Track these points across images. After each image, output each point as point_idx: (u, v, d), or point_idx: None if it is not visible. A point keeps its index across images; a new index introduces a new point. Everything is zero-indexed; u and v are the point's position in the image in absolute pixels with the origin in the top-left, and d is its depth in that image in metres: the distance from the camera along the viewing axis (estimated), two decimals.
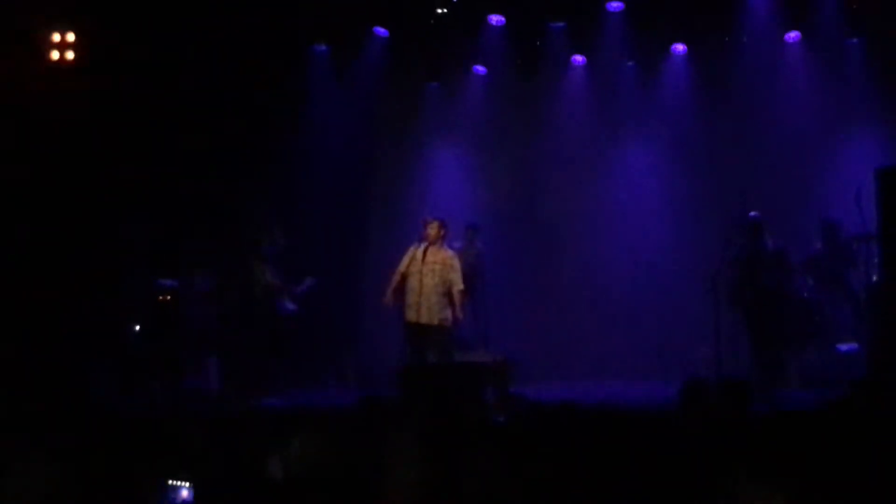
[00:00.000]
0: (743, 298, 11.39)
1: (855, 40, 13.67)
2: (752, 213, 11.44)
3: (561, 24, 14.56)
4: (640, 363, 13.55)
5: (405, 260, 11.45)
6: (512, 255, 14.96)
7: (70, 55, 12.15)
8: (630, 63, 15.11)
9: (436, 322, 11.33)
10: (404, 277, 11.39)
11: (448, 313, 11.37)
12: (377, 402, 7.31)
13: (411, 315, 11.33)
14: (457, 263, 11.50)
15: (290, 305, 12.35)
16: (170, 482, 4.01)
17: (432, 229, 11.40)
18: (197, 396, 11.49)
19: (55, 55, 12.14)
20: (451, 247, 11.99)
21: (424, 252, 11.36)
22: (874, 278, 11.44)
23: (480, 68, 15.40)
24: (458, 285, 11.35)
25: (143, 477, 3.43)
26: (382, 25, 14.50)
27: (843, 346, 11.88)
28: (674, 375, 11.26)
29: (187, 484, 4.12)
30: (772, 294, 11.21)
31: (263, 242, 12.25)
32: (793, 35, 14.10)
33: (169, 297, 12.09)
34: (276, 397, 11.42)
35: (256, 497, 4.82)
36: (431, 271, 11.32)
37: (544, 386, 12.00)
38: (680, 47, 14.73)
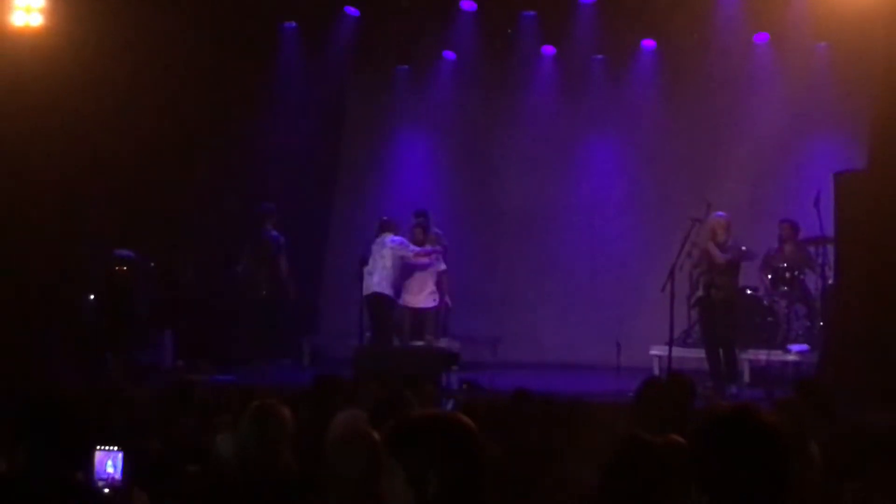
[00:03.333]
0: (700, 295, 11.46)
1: (822, 44, 13.74)
2: (719, 213, 11.47)
3: (532, 13, 14.52)
4: (598, 355, 13.60)
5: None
6: (474, 242, 14.99)
7: (37, 20, 11.87)
8: (599, 56, 15.13)
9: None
10: None
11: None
12: (332, 381, 7.30)
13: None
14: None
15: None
16: (100, 448, 3.98)
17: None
18: (150, 369, 11.43)
19: (20, 19, 11.83)
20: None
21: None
22: (829, 281, 11.56)
23: (450, 53, 15.38)
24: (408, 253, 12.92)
25: (78, 447, 3.40)
26: (354, 5, 14.40)
27: (795, 347, 11.99)
28: (631, 369, 11.40)
29: (117, 450, 4.09)
30: (727, 292, 11.27)
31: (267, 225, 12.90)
32: (761, 37, 14.17)
33: (125, 268, 11.99)
34: (229, 373, 11.40)
35: (196, 474, 4.80)
36: (391, 256, 12.58)
37: (500, 373, 12.02)
38: (649, 43, 14.77)
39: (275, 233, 12.89)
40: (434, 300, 13.10)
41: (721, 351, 11.22)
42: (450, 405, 8.62)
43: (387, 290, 12.61)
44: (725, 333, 11.27)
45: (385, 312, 12.64)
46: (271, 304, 12.89)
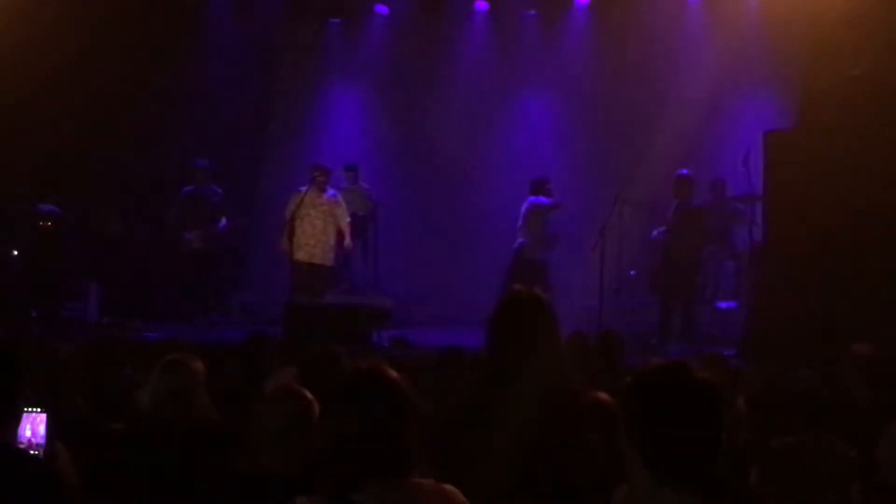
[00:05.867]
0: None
1: (753, 3, 13.80)
2: (684, 171, 11.55)
3: None
4: None
5: (292, 206, 11.82)
6: (406, 197, 14.92)
7: None
8: (532, 12, 15.09)
9: (327, 263, 12.09)
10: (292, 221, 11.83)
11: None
12: (264, 338, 7.25)
13: (304, 255, 11.84)
14: (342, 203, 12.27)
15: (195, 242, 12.46)
16: (26, 410, 3.88)
17: (321, 174, 11.95)
18: (74, 324, 11.26)
19: None
20: (336, 187, 12.68)
21: (312, 197, 11.87)
22: (757, 239, 11.69)
23: (382, 7, 15.23)
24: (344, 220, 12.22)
25: (2, 404, 3.29)
26: None
27: (723, 304, 12.14)
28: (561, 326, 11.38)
29: (39, 411, 4.01)
30: (685, 249, 11.38)
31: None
32: None
33: (49, 223, 11.80)
34: (156, 329, 11.26)
35: (120, 431, 4.74)
36: (323, 213, 11.92)
37: (431, 330, 12.01)
38: None
39: (213, 187, 12.75)
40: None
41: (681, 310, 11.37)
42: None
43: None
44: (690, 293, 11.39)
45: None
46: (202, 260, 12.72)
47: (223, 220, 12.60)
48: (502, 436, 4.13)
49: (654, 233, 11.86)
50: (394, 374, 3.12)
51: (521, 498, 4.00)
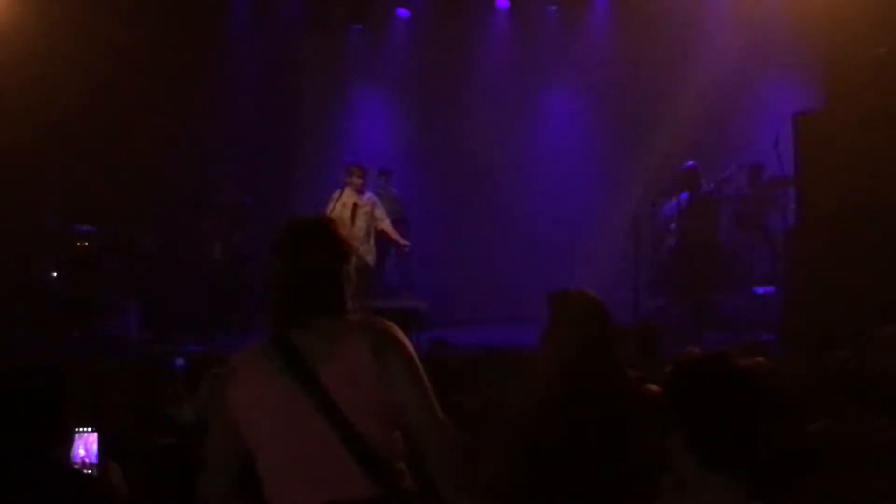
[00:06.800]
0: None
1: None
2: (690, 163, 11.55)
3: None
4: None
5: (335, 206, 11.64)
6: (434, 199, 14.96)
7: None
8: (553, 8, 15.08)
9: (370, 264, 11.86)
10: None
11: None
12: None
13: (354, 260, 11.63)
14: (379, 202, 12.13)
15: (216, 252, 12.47)
16: (77, 430, 3.94)
17: (358, 176, 11.74)
18: (115, 343, 11.36)
19: None
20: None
21: (351, 197, 11.73)
22: (791, 223, 11.64)
23: (403, 11, 15.28)
24: (385, 220, 12.05)
25: (52, 425, 3.33)
26: None
27: (760, 289, 12.08)
28: None
29: (91, 430, 4.07)
30: (701, 238, 11.34)
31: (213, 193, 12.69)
32: None
33: (87, 243, 11.92)
34: (196, 344, 11.34)
35: (170, 446, 4.80)
36: (364, 214, 11.79)
37: (468, 330, 12.02)
38: None
39: (242, 198, 12.79)
40: None
41: (699, 296, 11.35)
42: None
43: None
44: (710, 281, 11.37)
45: None
46: (231, 270, 12.77)
47: (238, 234, 12.65)
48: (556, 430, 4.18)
49: (672, 226, 11.86)
50: (335, 225, 3.43)
51: (572, 490, 4.04)
